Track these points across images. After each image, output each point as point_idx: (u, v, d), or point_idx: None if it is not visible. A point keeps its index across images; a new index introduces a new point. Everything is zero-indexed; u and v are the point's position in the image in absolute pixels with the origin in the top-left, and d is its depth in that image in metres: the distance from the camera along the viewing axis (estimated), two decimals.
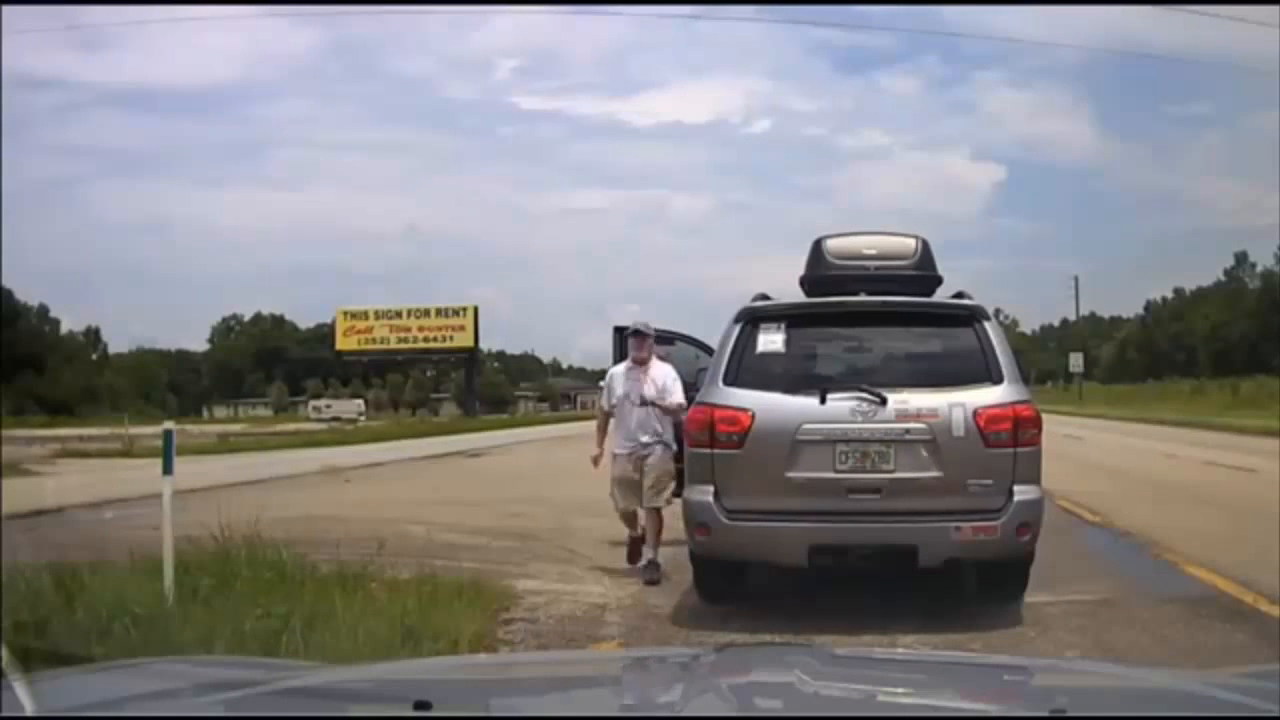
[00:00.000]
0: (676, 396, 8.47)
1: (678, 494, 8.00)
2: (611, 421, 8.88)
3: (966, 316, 7.38)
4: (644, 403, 8.48)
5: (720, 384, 7.18)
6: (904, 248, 8.28)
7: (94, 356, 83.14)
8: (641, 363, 8.63)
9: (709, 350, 8.55)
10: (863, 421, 6.87)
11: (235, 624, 5.72)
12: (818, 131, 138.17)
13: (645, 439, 8.52)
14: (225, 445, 33.25)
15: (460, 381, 79.01)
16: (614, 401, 8.68)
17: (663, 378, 8.55)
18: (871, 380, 7.02)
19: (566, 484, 14.60)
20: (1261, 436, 26.31)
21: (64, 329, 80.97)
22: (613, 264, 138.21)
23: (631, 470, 8.51)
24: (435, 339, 68.11)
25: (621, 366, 8.76)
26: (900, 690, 2.11)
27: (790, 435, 6.91)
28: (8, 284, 67.01)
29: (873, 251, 8.20)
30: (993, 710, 2.06)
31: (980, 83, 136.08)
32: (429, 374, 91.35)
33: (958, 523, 6.79)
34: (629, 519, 8.76)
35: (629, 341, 8.68)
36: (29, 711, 1.65)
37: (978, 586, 7.47)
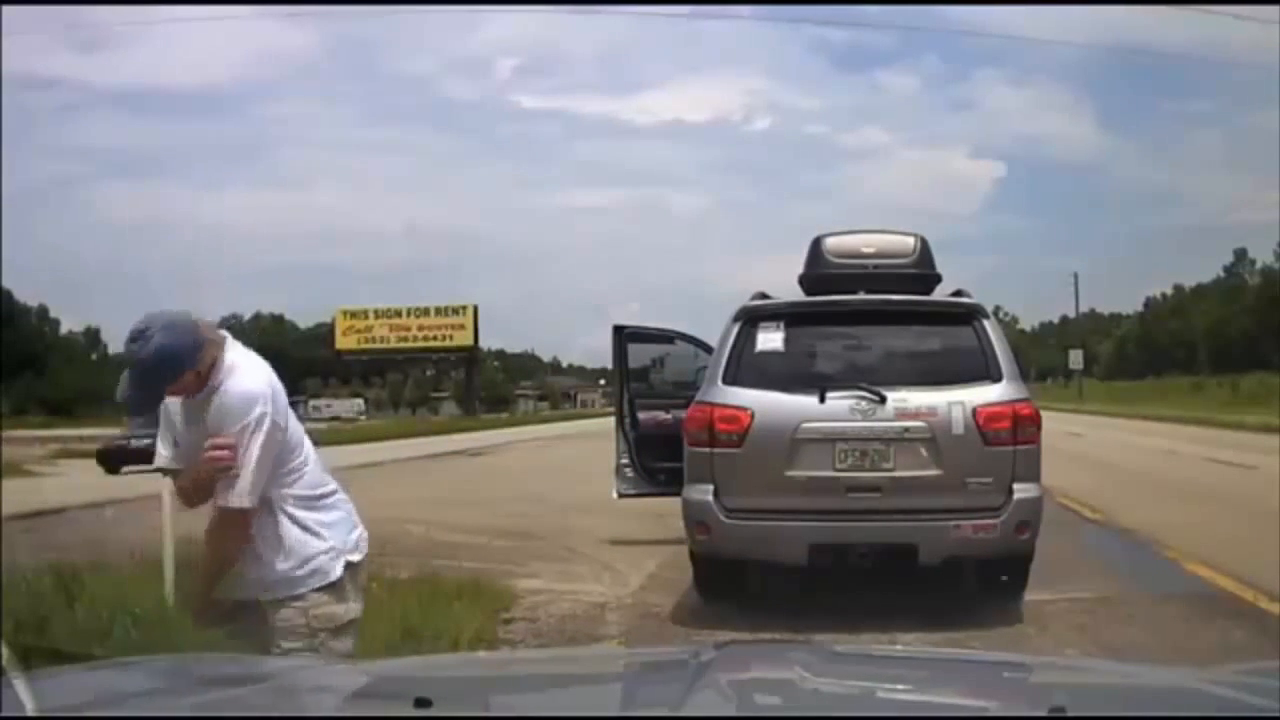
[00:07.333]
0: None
1: None
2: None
3: (965, 314, 7.39)
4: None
5: (720, 383, 7.18)
6: (903, 246, 8.28)
7: (94, 357, 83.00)
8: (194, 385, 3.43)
9: (708, 349, 8.54)
10: (862, 420, 6.87)
11: None
12: (817, 130, 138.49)
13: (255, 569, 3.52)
14: None
15: (460, 380, 78.99)
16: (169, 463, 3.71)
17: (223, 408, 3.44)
18: (871, 379, 7.02)
19: (566, 483, 14.61)
20: (1262, 433, 26.31)
21: (64, 329, 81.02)
22: (613, 263, 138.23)
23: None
24: (435, 338, 68.12)
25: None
26: (900, 688, 2.10)
27: (790, 434, 6.91)
28: (8, 284, 67.01)
29: (872, 250, 8.20)
30: (992, 708, 2.05)
31: (979, 80, 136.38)
32: (429, 373, 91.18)
33: (957, 521, 6.80)
34: None
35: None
36: (29, 710, 1.65)
37: (977, 584, 7.46)
